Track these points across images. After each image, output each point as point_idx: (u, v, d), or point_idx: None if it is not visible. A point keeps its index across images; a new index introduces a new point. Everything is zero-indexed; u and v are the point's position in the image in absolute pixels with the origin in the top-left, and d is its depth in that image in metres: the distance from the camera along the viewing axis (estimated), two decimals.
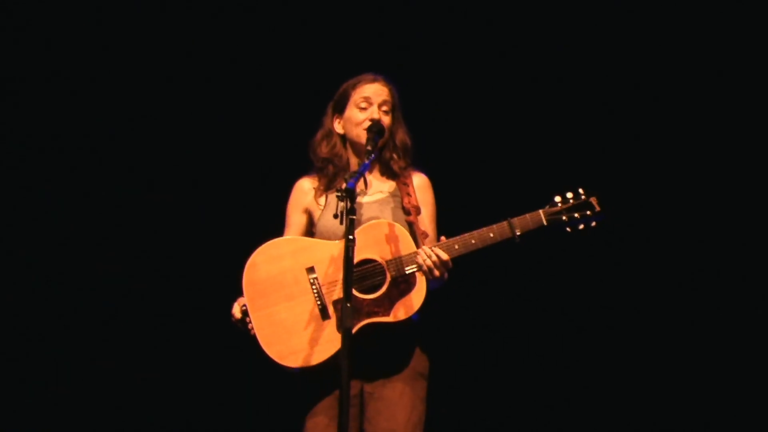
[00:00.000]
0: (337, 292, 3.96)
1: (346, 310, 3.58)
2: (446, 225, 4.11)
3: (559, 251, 5.39)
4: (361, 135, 4.11)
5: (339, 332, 3.91)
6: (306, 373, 3.96)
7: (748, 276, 5.37)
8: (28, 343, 5.63)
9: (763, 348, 5.33)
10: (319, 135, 4.25)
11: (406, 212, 4.11)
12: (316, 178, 4.22)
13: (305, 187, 4.23)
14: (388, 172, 4.20)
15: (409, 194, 4.14)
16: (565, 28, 5.49)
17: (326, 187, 4.18)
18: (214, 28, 5.66)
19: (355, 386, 3.98)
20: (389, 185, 4.19)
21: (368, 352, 3.94)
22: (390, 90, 4.19)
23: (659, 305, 5.44)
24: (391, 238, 3.97)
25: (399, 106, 4.22)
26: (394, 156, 4.17)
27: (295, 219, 4.22)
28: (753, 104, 5.37)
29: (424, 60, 5.48)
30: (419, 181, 4.21)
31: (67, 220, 5.68)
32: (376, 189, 4.19)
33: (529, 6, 5.50)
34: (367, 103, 4.15)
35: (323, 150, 4.20)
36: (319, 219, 4.15)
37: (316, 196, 4.18)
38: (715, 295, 5.38)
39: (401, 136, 4.20)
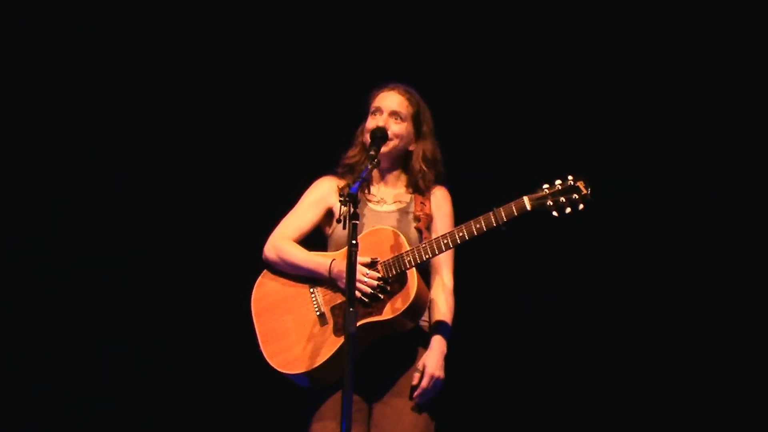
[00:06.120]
0: (336, 299, 4.01)
1: (350, 315, 3.58)
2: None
3: (565, 257, 5.42)
4: (368, 141, 4.11)
5: (336, 336, 3.96)
6: (313, 381, 4.00)
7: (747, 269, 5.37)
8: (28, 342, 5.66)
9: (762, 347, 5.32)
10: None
11: (416, 219, 4.12)
12: (343, 182, 4.17)
13: (331, 186, 4.20)
14: (413, 185, 4.20)
15: (423, 203, 4.14)
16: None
17: None
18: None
19: (363, 392, 4.00)
20: (408, 197, 4.19)
21: (377, 360, 3.97)
22: (408, 99, 4.18)
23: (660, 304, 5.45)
24: (389, 243, 3.98)
25: (424, 118, 4.20)
26: (421, 169, 4.16)
27: (307, 212, 4.19)
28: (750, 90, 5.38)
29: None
30: (438, 192, 4.21)
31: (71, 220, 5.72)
32: (396, 199, 4.19)
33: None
34: (378, 112, 4.16)
35: (348, 156, 4.21)
36: (337, 226, 4.08)
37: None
38: (716, 292, 5.37)
39: (426, 149, 4.18)
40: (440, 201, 4.19)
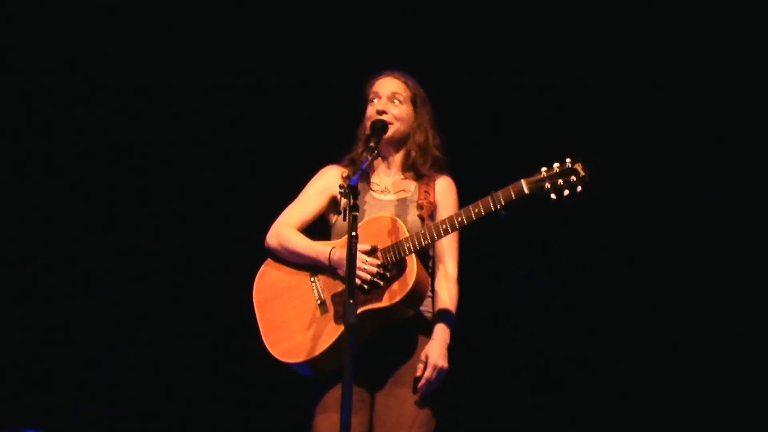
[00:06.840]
0: (336, 287, 3.99)
1: (349, 307, 3.56)
2: None
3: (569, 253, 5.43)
4: (368, 130, 4.10)
5: (337, 324, 3.95)
6: (315, 370, 3.98)
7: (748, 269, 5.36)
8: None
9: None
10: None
11: (419, 207, 4.10)
12: (348, 170, 4.10)
13: (336, 174, 4.15)
14: (413, 172, 4.18)
15: (426, 192, 4.12)
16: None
17: None
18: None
19: (365, 382, 4.00)
20: (412, 185, 4.18)
21: (379, 350, 3.96)
22: (405, 83, 4.17)
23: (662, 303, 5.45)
24: (388, 230, 3.96)
25: (422, 102, 4.19)
26: (421, 153, 4.15)
27: (311, 201, 4.17)
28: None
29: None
30: (442, 182, 4.19)
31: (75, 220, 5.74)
32: (399, 188, 4.18)
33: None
34: (377, 97, 4.16)
35: (354, 150, 4.19)
36: (341, 215, 4.10)
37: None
38: (715, 289, 5.37)
39: (426, 133, 4.18)
40: (445, 190, 4.17)
